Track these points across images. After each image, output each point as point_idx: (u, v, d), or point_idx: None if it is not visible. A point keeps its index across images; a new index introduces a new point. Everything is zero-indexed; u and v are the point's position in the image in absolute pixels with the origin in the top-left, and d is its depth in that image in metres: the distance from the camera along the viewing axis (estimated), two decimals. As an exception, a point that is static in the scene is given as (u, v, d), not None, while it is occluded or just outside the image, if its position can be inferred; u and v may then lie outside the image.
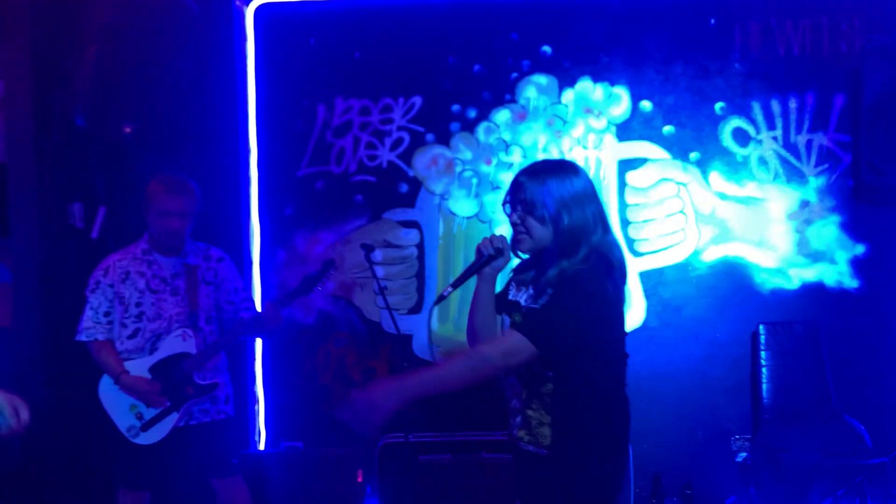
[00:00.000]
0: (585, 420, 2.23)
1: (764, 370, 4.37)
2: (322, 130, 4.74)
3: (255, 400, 4.75)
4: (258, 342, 4.77)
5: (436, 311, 4.64)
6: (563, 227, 2.22)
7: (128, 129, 4.50)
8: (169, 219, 3.55)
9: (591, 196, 2.28)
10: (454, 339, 4.68)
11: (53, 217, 4.48)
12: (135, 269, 3.64)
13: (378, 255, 4.65)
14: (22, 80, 4.39)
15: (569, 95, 4.58)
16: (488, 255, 2.36)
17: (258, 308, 3.93)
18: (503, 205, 2.35)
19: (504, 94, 4.61)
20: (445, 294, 2.36)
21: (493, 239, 2.37)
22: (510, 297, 2.40)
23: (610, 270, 2.22)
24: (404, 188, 4.70)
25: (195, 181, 3.72)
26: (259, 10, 4.74)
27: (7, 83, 4.48)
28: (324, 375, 4.76)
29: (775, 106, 4.44)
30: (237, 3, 4.69)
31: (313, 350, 4.77)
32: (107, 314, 3.63)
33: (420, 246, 4.69)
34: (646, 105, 4.53)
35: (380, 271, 4.62)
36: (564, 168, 2.31)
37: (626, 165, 4.55)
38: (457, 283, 2.38)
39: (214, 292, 3.77)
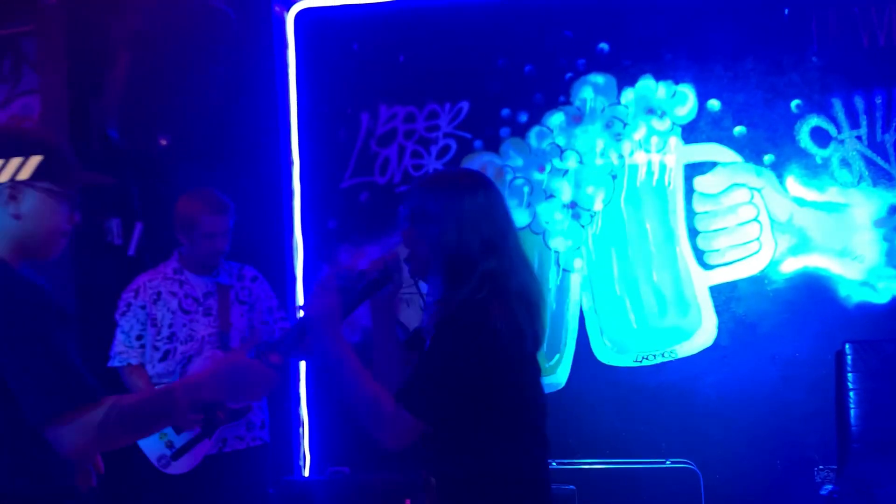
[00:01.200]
0: None
1: (851, 394, 3.84)
2: (366, 139, 4.40)
3: (299, 423, 4.40)
4: (302, 363, 4.44)
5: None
6: (448, 249, 1.82)
7: (164, 141, 4.21)
8: (215, 240, 3.33)
9: (490, 216, 1.85)
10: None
11: (90, 233, 4.23)
12: (166, 290, 3.40)
13: (425, 269, 4.26)
14: (59, 94, 4.16)
15: (629, 95, 4.13)
16: (369, 280, 1.95)
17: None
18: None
19: (558, 95, 4.19)
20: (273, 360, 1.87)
21: (385, 257, 1.96)
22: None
23: (505, 300, 1.77)
24: (452, 199, 4.30)
25: (233, 195, 3.46)
26: (300, 15, 4.43)
27: (44, 97, 4.26)
28: (370, 398, 4.38)
29: (859, 102, 3.92)
30: (277, 8, 4.39)
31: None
32: (139, 337, 3.39)
33: (470, 260, 4.28)
34: (714, 104, 4.05)
35: (424, 287, 4.23)
36: (463, 179, 1.93)
37: (694, 170, 4.08)
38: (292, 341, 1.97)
39: (248, 312, 3.50)
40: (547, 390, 4.11)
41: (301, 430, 4.40)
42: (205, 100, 4.20)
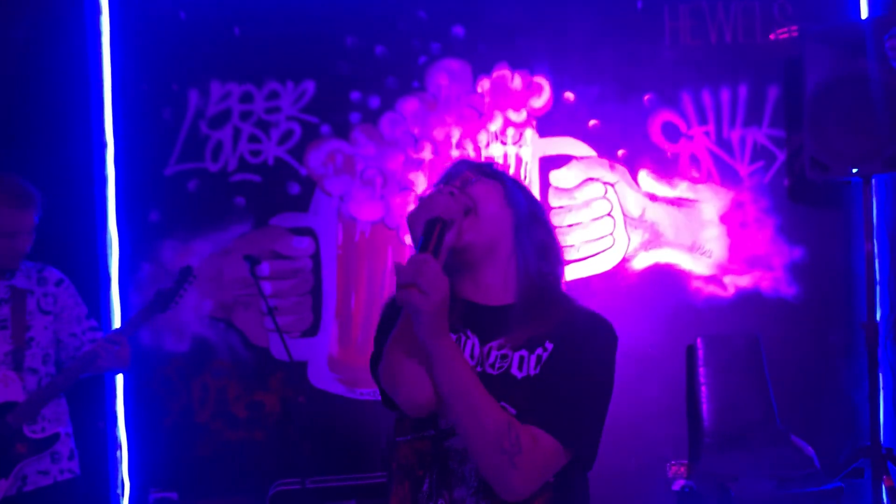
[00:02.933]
0: None
1: (703, 388, 3.72)
2: (195, 120, 3.76)
3: (116, 446, 3.69)
4: (119, 376, 3.72)
5: (335, 333, 3.75)
6: (531, 220, 1.52)
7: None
8: (15, 239, 2.67)
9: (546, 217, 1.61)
10: (358, 365, 3.79)
11: None
12: None
13: (265, 268, 3.71)
14: None
15: (485, 84, 3.80)
16: (450, 219, 1.39)
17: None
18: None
19: (412, 80, 3.78)
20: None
21: (446, 195, 1.41)
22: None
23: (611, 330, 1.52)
24: (295, 189, 3.78)
25: (33, 182, 2.77)
26: (116, -23, 3.71)
27: None
28: (200, 413, 3.76)
29: (707, 98, 3.82)
30: (87, -35, 3.64)
31: (187, 383, 3.76)
32: None
33: (315, 257, 3.78)
34: (569, 96, 3.81)
35: (267, 287, 3.69)
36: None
37: (549, 163, 3.82)
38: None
39: (54, 323, 2.81)
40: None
41: (119, 453, 3.68)
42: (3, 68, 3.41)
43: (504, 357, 1.41)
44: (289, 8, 3.73)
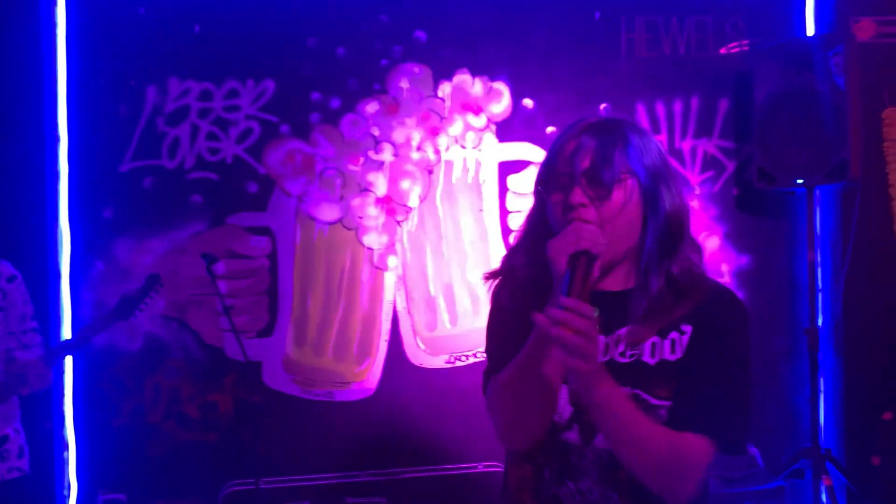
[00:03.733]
0: None
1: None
2: (152, 117, 3.67)
3: (64, 447, 3.57)
4: (68, 372, 3.61)
5: (290, 333, 3.70)
6: (666, 212, 1.37)
7: None
8: None
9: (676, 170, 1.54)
10: (313, 365, 3.74)
11: None
12: None
13: (221, 267, 3.64)
14: None
15: (445, 88, 3.79)
16: (595, 255, 1.28)
17: (52, 343, 2.81)
18: (539, 185, 1.40)
19: (373, 83, 3.76)
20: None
21: (591, 230, 1.29)
22: None
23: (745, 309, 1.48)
24: (253, 188, 3.72)
25: None
26: (72, -32, 3.61)
27: None
28: (152, 413, 3.67)
29: (660, 108, 3.89)
30: (43, -44, 3.53)
31: (139, 383, 3.66)
32: None
33: (272, 257, 3.72)
34: (528, 103, 3.83)
35: (223, 287, 3.62)
36: (639, 127, 1.46)
37: (508, 168, 3.83)
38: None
39: (3, 320, 2.71)
40: (356, 397, 3.67)
41: (66, 454, 3.56)
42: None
43: (634, 344, 1.36)
44: (251, 7, 3.67)
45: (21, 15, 3.48)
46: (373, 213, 3.73)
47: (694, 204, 3.89)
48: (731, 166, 3.92)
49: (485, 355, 1.49)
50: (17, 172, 3.49)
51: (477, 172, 3.80)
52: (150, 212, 3.66)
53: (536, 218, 1.42)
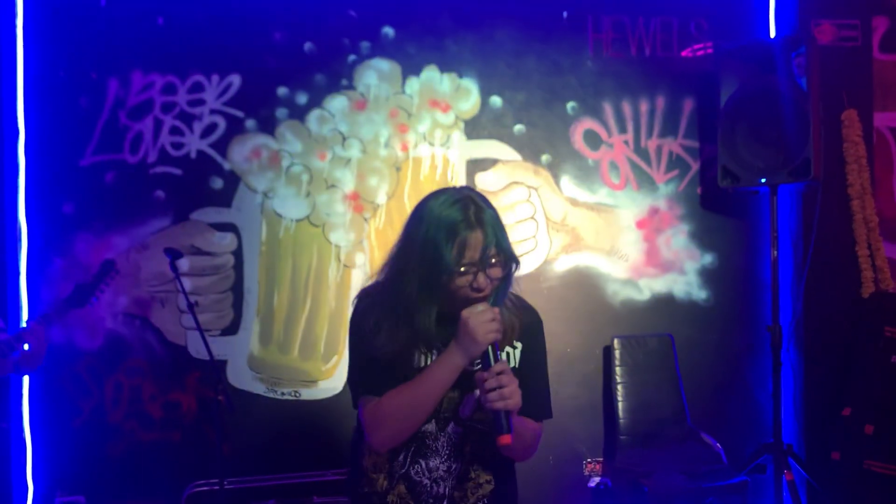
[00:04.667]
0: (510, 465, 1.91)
1: (618, 387, 3.77)
2: (114, 110, 3.57)
3: (22, 447, 3.45)
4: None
5: (256, 330, 3.62)
6: (511, 267, 1.82)
7: None
8: None
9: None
10: (279, 364, 3.67)
11: None
12: None
13: (185, 263, 3.55)
14: None
15: (414, 85, 3.75)
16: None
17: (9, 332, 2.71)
18: (460, 271, 1.67)
19: (340, 78, 3.70)
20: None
21: (495, 317, 1.69)
22: (423, 364, 1.76)
23: None
24: (218, 184, 3.64)
25: None
26: (32, -43, 3.49)
27: None
28: (113, 413, 3.56)
29: (627, 108, 3.89)
30: (1, -56, 3.42)
31: (100, 382, 3.56)
32: None
33: (237, 253, 3.64)
34: (496, 101, 3.81)
35: (187, 284, 3.52)
36: (485, 199, 1.84)
37: (475, 166, 3.80)
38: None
39: None
40: (323, 396, 3.60)
41: (24, 455, 3.44)
42: None
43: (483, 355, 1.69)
44: (216, 0, 3.59)
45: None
46: (340, 210, 3.67)
47: (660, 203, 3.90)
48: (695, 166, 3.93)
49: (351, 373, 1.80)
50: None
51: (445, 170, 3.76)
52: (112, 207, 3.56)
53: (413, 261, 1.67)
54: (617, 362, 3.79)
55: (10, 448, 3.43)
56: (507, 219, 3.64)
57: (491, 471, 1.81)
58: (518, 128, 3.81)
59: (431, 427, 1.77)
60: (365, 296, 1.78)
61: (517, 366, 1.79)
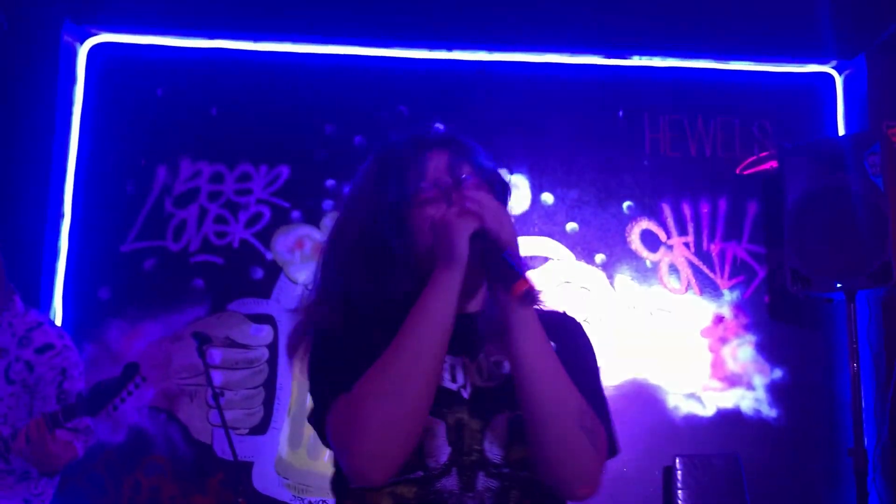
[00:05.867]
0: None
1: (681, 513, 3.35)
2: (160, 197, 3.51)
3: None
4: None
5: (286, 431, 3.36)
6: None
7: None
8: None
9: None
10: (308, 469, 3.37)
11: None
12: None
13: (217, 355, 3.36)
14: None
15: (463, 180, 3.61)
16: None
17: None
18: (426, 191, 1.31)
19: (388, 171, 3.59)
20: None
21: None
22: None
23: None
24: (259, 274, 3.49)
25: None
26: (96, 50, 3.57)
27: None
28: (129, 514, 3.28)
29: (686, 209, 3.68)
30: (67, 37, 3.50)
31: (118, 479, 3.31)
32: None
33: (273, 347, 3.44)
34: (547, 198, 3.64)
35: (218, 378, 3.32)
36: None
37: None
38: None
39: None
40: None
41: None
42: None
43: (497, 364, 1.24)
44: (270, 92, 3.59)
45: (40, 89, 3.40)
46: (381, 304, 3.47)
47: (724, 311, 3.60)
48: (762, 272, 3.65)
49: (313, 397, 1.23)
50: (17, 246, 3.29)
51: (493, 267, 3.56)
52: (149, 294, 3.43)
53: (350, 244, 1.27)
54: (679, 485, 3.38)
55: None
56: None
57: None
58: (571, 226, 3.62)
59: (451, 483, 1.16)
60: (310, 306, 1.29)
61: None
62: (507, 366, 1.22)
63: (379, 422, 1.08)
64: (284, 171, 3.56)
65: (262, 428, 3.38)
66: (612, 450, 1.25)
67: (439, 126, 3.60)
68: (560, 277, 3.59)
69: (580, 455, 1.13)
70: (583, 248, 3.62)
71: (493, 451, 1.18)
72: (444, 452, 1.16)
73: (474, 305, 1.28)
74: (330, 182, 3.57)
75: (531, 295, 1.12)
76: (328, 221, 3.53)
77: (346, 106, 3.62)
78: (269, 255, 3.50)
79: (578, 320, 1.37)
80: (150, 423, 3.36)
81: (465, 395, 1.20)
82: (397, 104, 3.64)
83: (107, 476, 3.30)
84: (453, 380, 1.22)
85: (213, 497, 3.31)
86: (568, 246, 3.62)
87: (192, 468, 3.33)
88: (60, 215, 3.42)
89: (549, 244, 3.61)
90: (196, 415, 3.38)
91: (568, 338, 1.29)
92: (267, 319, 3.45)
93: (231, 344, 3.42)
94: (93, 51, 3.55)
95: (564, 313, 1.36)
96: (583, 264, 3.61)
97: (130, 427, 3.36)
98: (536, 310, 1.20)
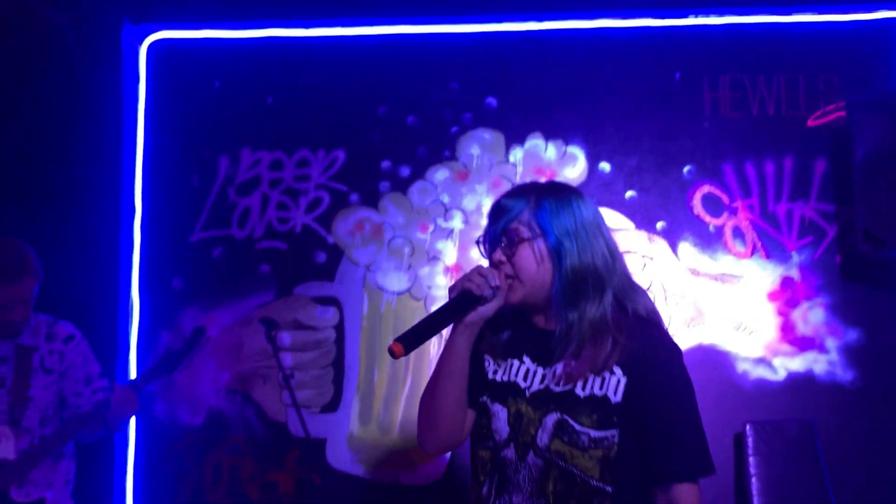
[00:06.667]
0: None
1: (753, 480, 3.29)
2: (223, 187, 3.61)
3: (120, 519, 3.37)
4: (131, 446, 3.44)
5: (356, 408, 3.44)
6: (571, 265, 1.55)
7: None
8: (7, 311, 2.48)
9: (600, 225, 1.66)
10: (378, 444, 3.46)
11: None
12: None
13: (286, 338, 3.46)
14: None
15: (517, 154, 3.60)
16: (480, 295, 1.54)
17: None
18: (479, 243, 1.66)
19: (443, 150, 3.60)
20: (396, 351, 1.52)
21: (488, 274, 1.55)
22: (499, 376, 1.62)
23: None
24: (322, 257, 3.56)
25: (59, 242, 2.90)
26: (155, 46, 3.66)
27: None
28: (212, 492, 3.44)
29: (750, 171, 3.56)
30: (126, 36, 3.60)
31: (200, 459, 3.46)
32: None
33: (339, 327, 3.52)
34: (605, 166, 3.58)
35: (288, 359, 3.42)
36: (562, 188, 1.65)
37: (585, 235, 3.54)
38: (421, 333, 1.54)
39: (58, 382, 2.60)
40: (423, 481, 3.34)
41: (123, 532, 3.36)
42: (32, 128, 3.32)
43: (569, 377, 1.54)
44: (323, 79, 3.62)
45: (105, 90, 3.52)
46: (441, 283, 3.50)
47: (793, 273, 3.49)
48: (831, 232, 3.51)
49: None
50: (94, 240, 3.45)
51: (552, 240, 3.53)
52: (218, 282, 3.55)
53: None
54: (750, 452, 3.32)
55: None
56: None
57: None
58: (629, 194, 3.56)
59: (511, 453, 1.54)
60: None
61: (619, 401, 1.51)
62: (577, 381, 1.53)
63: (424, 416, 1.65)
64: (341, 155, 3.60)
65: (332, 406, 3.47)
66: (702, 468, 1.56)
67: (491, 101, 3.58)
68: (621, 247, 3.53)
69: None
70: (643, 217, 3.56)
71: (541, 439, 1.52)
72: (505, 431, 1.55)
73: (550, 324, 1.60)
74: (385, 164, 3.59)
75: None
76: (385, 203, 3.56)
77: (397, 86, 3.62)
78: (330, 239, 3.56)
79: (662, 345, 1.57)
80: (228, 404, 3.49)
81: (528, 393, 1.56)
82: (448, 81, 3.63)
83: (188, 457, 3.46)
84: (525, 379, 1.57)
85: (290, 474, 3.43)
86: (627, 215, 3.56)
87: (269, 447, 3.45)
88: (132, 210, 3.55)
89: (608, 214, 3.56)
90: (270, 396, 3.49)
91: (646, 371, 1.51)
92: (332, 301, 3.52)
93: (299, 326, 3.50)
94: (151, 48, 3.64)
95: (652, 336, 1.57)
96: (644, 233, 3.55)
97: (209, 409, 3.50)
98: (621, 327, 1.53)
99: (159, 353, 2.70)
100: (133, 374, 3.48)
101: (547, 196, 1.58)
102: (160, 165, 3.60)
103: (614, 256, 1.61)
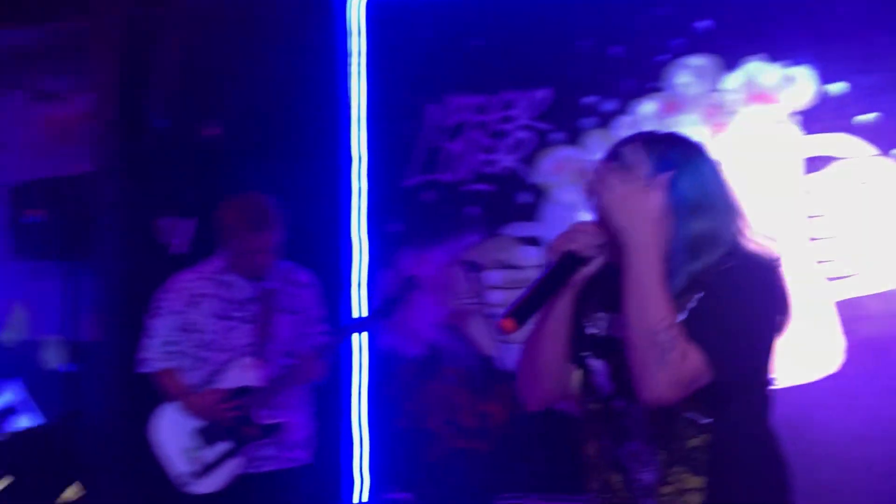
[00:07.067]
0: (749, 475, 1.44)
1: None
2: (431, 133, 3.73)
3: (350, 443, 3.74)
4: (363, 375, 3.79)
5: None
6: (685, 222, 1.43)
7: (216, 131, 3.69)
8: (256, 256, 2.82)
9: (719, 178, 1.49)
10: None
11: (139, 231, 3.76)
12: (205, 292, 2.89)
13: (495, 277, 3.56)
14: (110, 84, 3.71)
15: (733, 80, 3.31)
16: (584, 258, 1.44)
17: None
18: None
19: (649, 81, 3.42)
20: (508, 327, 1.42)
21: (587, 232, 1.45)
22: (597, 330, 1.55)
23: (772, 268, 1.44)
24: (526, 198, 3.59)
25: (289, 192, 3.04)
26: (370, 2, 3.84)
27: (98, 88, 3.81)
28: (431, 419, 3.69)
29: None
30: (340, -6, 3.80)
31: (420, 388, 3.72)
32: (169, 343, 2.86)
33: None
34: (838, 88, 3.19)
35: (498, 297, 3.53)
36: (681, 141, 1.52)
37: (812, 165, 3.22)
38: (531, 304, 1.44)
39: (294, 321, 2.94)
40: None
41: (353, 449, 3.73)
42: (262, 88, 3.67)
43: None
44: (522, 17, 3.57)
45: (324, 48, 3.77)
46: (648, 221, 3.37)
47: None
48: None
49: None
50: (320, 190, 3.76)
51: (774, 172, 3.25)
52: (430, 224, 3.71)
53: None
54: None
55: (342, 442, 3.72)
56: (859, 228, 3.03)
57: (702, 475, 1.41)
58: (867, 118, 3.15)
59: (618, 404, 1.50)
60: None
61: (683, 317, 1.39)
62: None
63: (521, 369, 1.64)
64: (543, 93, 3.56)
65: (540, 344, 3.54)
66: (735, 385, 1.39)
67: (702, 24, 3.33)
68: (855, 178, 3.17)
69: (644, 364, 1.33)
70: (885, 142, 3.14)
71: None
72: (608, 384, 1.50)
73: None
74: (589, 99, 3.49)
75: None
76: (589, 140, 3.48)
77: (597, 17, 3.48)
78: (534, 180, 3.56)
79: (755, 263, 1.43)
80: (444, 338, 3.69)
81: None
82: (652, 6, 3.41)
83: (410, 385, 3.73)
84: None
85: (500, 404, 3.58)
86: (867, 140, 3.16)
87: (482, 379, 3.62)
88: (350, 158, 3.80)
89: (843, 140, 3.18)
90: (482, 331, 3.64)
91: (722, 287, 1.39)
92: (537, 241, 3.55)
93: (505, 266, 3.59)
94: (369, 3, 3.81)
95: (746, 256, 1.44)
96: (883, 160, 3.14)
97: (427, 342, 3.73)
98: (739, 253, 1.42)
99: (378, 298, 3.00)
100: (357, 313, 3.79)
101: (665, 149, 1.47)
102: (374, 115, 3.80)
103: (732, 208, 1.47)
